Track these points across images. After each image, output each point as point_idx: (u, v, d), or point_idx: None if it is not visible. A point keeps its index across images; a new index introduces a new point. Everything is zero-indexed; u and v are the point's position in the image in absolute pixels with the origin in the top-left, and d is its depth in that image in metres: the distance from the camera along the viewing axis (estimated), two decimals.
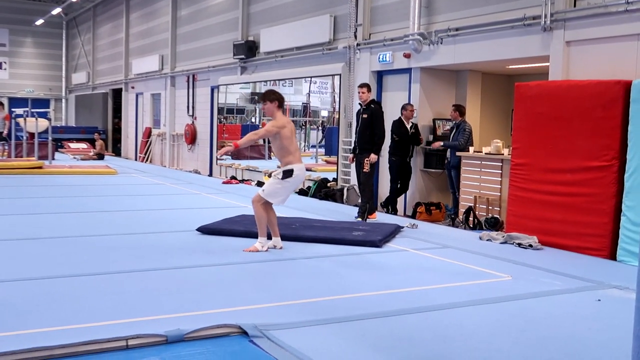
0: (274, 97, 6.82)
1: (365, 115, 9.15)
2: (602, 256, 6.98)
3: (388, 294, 5.17)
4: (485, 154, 9.59)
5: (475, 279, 5.77)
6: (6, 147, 18.89)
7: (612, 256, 6.95)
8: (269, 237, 6.84)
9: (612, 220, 6.98)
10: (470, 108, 10.95)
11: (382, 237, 7.31)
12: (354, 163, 9.53)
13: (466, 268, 6.21)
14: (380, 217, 9.58)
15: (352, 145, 9.68)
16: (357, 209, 9.57)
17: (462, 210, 9.81)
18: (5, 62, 32.42)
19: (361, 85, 9.34)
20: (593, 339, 4.21)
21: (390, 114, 11.44)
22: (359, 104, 9.43)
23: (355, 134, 9.37)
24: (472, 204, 9.55)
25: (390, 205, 10.91)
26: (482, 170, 9.61)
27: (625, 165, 6.86)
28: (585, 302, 5.14)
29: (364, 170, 9.09)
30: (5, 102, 25.94)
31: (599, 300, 5.19)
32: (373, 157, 9.08)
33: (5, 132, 18.61)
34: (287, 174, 6.72)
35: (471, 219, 9.44)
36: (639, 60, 7.43)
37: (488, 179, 9.45)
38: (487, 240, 7.73)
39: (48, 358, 3.57)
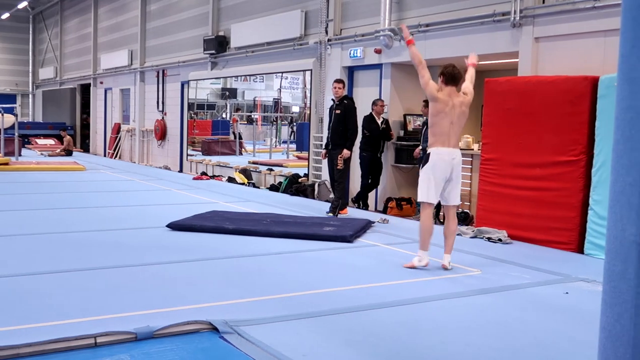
0: (440, 72, 6.02)
1: (338, 111, 9.13)
2: (570, 250, 7.07)
3: (359, 288, 5.18)
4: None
5: (446, 274, 5.80)
6: None
7: (580, 249, 7.05)
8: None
9: (579, 214, 7.08)
10: None
11: (353, 232, 7.32)
12: (327, 159, 9.49)
13: (437, 263, 6.24)
14: (352, 212, 9.60)
15: (325, 140, 9.64)
16: (328, 204, 9.57)
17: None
18: None
19: (337, 81, 9.31)
20: (561, 331, 4.26)
21: (361, 109, 11.44)
22: (332, 99, 9.39)
23: (328, 129, 9.34)
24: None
25: (361, 201, 10.93)
26: None
27: (592, 160, 6.96)
28: (554, 295, 5.20)
29: (338, 166, 9.05)
30: None
31: (567, 293, 5.25)
32: (346, 152, 9.05)
33: None
34: (425, 159, 5.91)
35: (441, 214, 9.49)
36: (606, 56, 7.53)
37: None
38: (457, 234, 7.77)
39: (14, 357, 3.50)
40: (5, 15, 30.77)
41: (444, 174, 5.86)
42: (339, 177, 9.16)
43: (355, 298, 4.87)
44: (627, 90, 2.55)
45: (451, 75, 5.97)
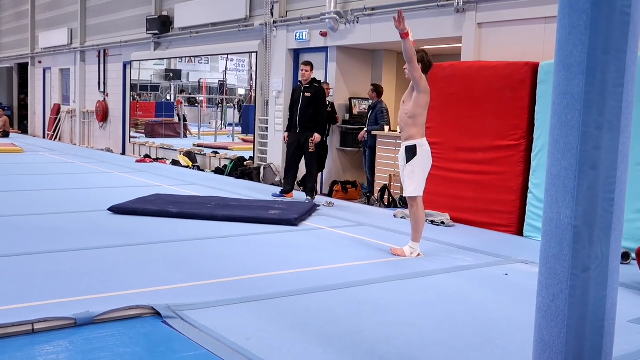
0: (418, 59, 5.69)
1: (308, 94, 9.02)
2: (510, 232, 7.25)
3: (304, 272, 5.19)
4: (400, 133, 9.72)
5: (389, 257, 5.86)
6: None
7: (520, 232, 7.23)
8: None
9: (519, 198, 7.25)
10: (386, 87, 11.07)
11: (298, 216, 7.33)
12: (289, 142, 9.24)
13: (381, 245, 6.31)
14: (297, 195, 9.60)
15: (288, 123, 9.41)
16: (274, 187, 9.54)
17: (377, 188, 9.95)
18: None
19: (305, 64, 9.17)
20: (500, 312, 4.37)
21: None
22: (299, 82, 9.22)
23: (293, 112, 9.14)
24: (387, 183, 9.70)
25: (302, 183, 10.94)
26: (397, 149, 9.73)
27: (532, 145, 7.13)
28: (494, 277, 5.32)
29: (310, 150, 9.02)
30: None
31: (506, 274, 5.39)
32: (317, 137, 9.04)
33: None
34: (411, 152, 5.75)
35: (386, 197, 9.60)
36: (546, 42, 7.69)
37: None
38: (402, 217, 7.87)
39: None
40: None
41: (429, 164, 5.86)
42: (310, 160, 9.14)
43: (300, 281, 4.89)
44: (563, 76, 2.62)
45: (430, 63, 5.87)
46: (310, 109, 9.01)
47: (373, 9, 10.16)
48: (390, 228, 7.23)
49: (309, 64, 9.21)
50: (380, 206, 9.45)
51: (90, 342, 3.52)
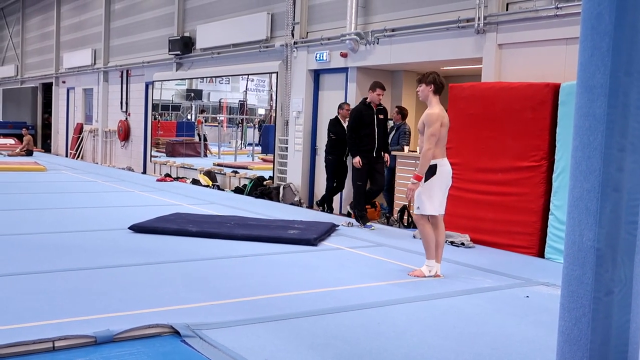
0: (430, 80, 5.86)
1: (382, 116, 8.81)
2: (531, 254, 7.17)
3: (323, 292, 5.18)
4: (420, 153, 9.71)
5: (409, 278, 5.83)
6: None
7: (541, 254, 7.15)
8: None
9: (540, 219, 7.18)
10: (407, 108, 11.07)
11: (317, 236, 7.32)
12: (366, 167, 8.73)
13: (400, 266, 6.28)
14: (316, 215, 9.60)
15: (354, 147, 8.80)
16: (293, 207, 9.50)
17: (396, 209, 9.92)
18: None
19: (383, 87, 8.74)
20: (520, 334, 4.32)
21: (327, 112, 11.50)
22: (368, 104, 8.74)
23: (372, 136, 8.64)
24: (407, 203, 9.66)
25: (326, 204, 10.94)
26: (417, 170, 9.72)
27: (553, 166, 7.08)
28: (514, 299, 5.27)
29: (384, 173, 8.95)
30: None
31: (527, 296, 5.33)
32: (389, 157, 9.14)
33: None
34: (430, 171, 5.77)
35: (405, 217, 9.56)
36: (567, 63, 7.67)
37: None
38: (421, 238, 7.82)
39: None
40: None
41: (448, 183, 5.90)
42: (388, 186, 9.13)
43: (319, 301, 4.87)
44: (585, 98, 2.60)
45: (442, 84, 5.94)
46: (382, 131, 8.90)
47: (393, 30, 10.20)
48: (410, 249, 7.19)
49: (384, 87, 8.86)
50: (399, 227, 9.41)
51: None
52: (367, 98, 8.88)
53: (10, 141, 23.48)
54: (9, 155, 19.78)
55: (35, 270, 5.49)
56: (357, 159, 8.71)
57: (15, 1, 28.97)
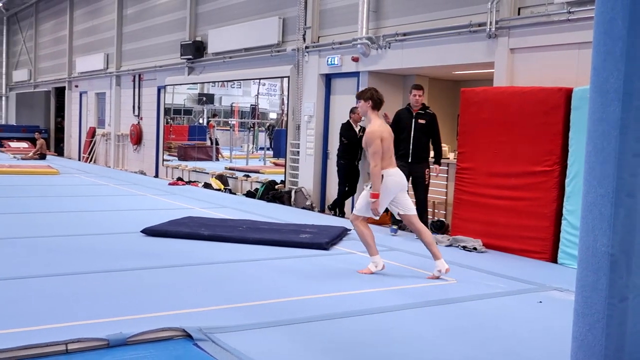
0: (368, 96, 6.12)
1: (422, 121, 8.32)
2: (544, 259, 7.14)
3: (335, 296, 5.17)
4: (432, 157, 9.70)
5: (421, 282, 5.82)
6: None
7: (554, 259, 7.12)
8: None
9: (553, 224, 7.15)
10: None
11: (329, 240, 7.32)
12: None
13: (412, 271, 6.27)
14: (328, 219, 9.59)
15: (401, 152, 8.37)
16: (305, 210, 9.51)
17: None
18: None
19: (417, 87, 8.49)
20: (533, 340, 4.30)
21: (339, 117, 11.50)
22: (408, 107, 8.52)
23: (407, 141, 8.31)
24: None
25: (337, 208, 10.94)
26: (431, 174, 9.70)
27: (566, 171, 7.04)
28: (527, 304, 5.24)
29: (426, 182, 8.39)
30: None
31: (540, 302, 5.30)
32: (439, 169, 8.50)
33: None
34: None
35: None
36: (580, 68, 7.63)
37: (434, 182, 9.56)
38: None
39: None
40: None
41: (396, 190, 6.07)
42: (424, 194, 8.47)
43: (331, 306, 4.87)
44: (599, 102, 2.59)
45: (380, 100, 6.18)
46: (424, 137, 8.31)
47: (404, 34, 10.20)
48: (422, 253, 7.15)
49: (420, 87, 8.52)
50: (411, 231, 9.38)
51: None
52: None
53: (24, 145, 23.67)
54: (22, 159, 19.92)
55: (48, 273, 5.52)
56: None
57: (28, 6, 29.21)
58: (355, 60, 11.13)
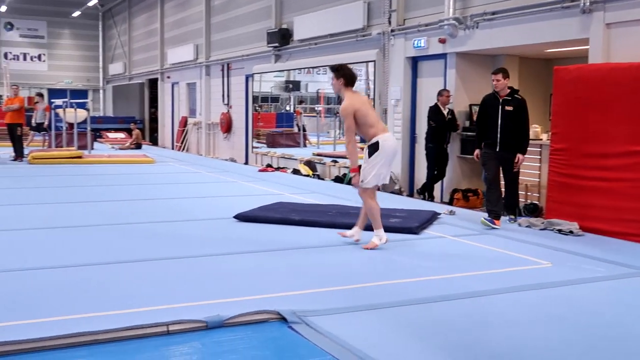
0: (340, 74, 6.22)
1: (510, 108, 7.79)
2: None
3: (426, 280, 5.15)
4: None
5: (515, 266, 5.70)
6: (47, 138, 19.26)
7: None
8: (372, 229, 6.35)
9: None
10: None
11: (419, 224, 7.27)
12: (486, 161, 8.01)
13: (505, 255, 6.15)
14: (417, 203, 9.52)
15: (478, 138, 8.24)
16: (393, 195, 9.46)
17: None
18: (44, 54, 33.01)
19: (495, 72, 8.02)
20: (636, 326, 4.14)
21: (426, 100, 11.37)
22: (495, 93, 7.99)
23: (494, 129, 7.86)
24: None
25: (427, 192, 10.85)
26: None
27: None
28: (629, 289, 5.05)
29: (515, 169, 7.91)
30: (45, 93, 26.45)
31: None
32: (522, 158, 7.85)
33: (46, 123, 18.96)
34: (373, 148, 6.14)
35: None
36: None
37: (527, 164, 9.29)
38: (527, 226, 7.63)
39: (92, 343, 3.64)
40: (77, 13, 31.82)
41: (393, 157, 6.31)
42: (514, 179, 8.06)
43: (422, 290, 4.85)
44: None
45: (351, 76, 6.26)
46: (512, 124, 7.76)
47: (493, 13, 9.93)
48: (515, 237, 7.02)
49: (499, 71, 7.99)
50: (503, 214, 9.19)
51: (221, 345, 3.66)
52: None
53: (121, 135, 24.64)
54: (120, 149, 20.77)
55: (147, 257, 5.76)
56: (476, 152, 8.15)
57: (122, 1, 30.31)
58: (442, 41, 10.95)
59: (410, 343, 3.72)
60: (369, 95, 12.74)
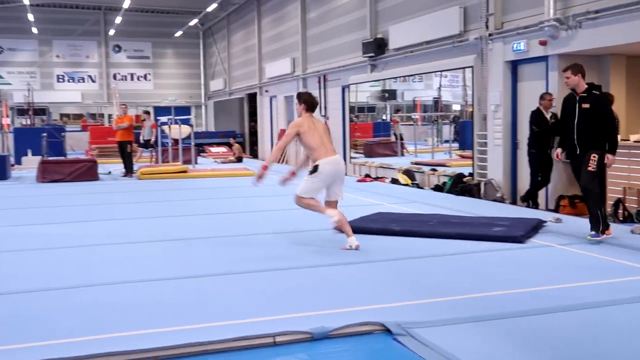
0: (302, 100, 7.09)
1: (587, 105, 7.30)
2: None
3: (534, 291, 4.99)
4: (634, 141, 9.01)
5: (629, 276, 5.43)
6: (154, 154, 20.09)
7: None
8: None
9: None
10: (614, 94, 10.32)
11: (524, 233, 7.07)
12: (572, 167, 7.63)
13: (618, 264, 5.87)
14: (521, 211, 9.26)
15: (561, 139, 7.87)
16: (495, 203, 9.26)
17: (610, 202, 9.27)
18: (149, 74, 34.60)
19: (564, 69, 7.57)
20: None
21: (527, 104, 11.05)
22: (573, 91, 7.55)
23: (572, 130, 7.43)
24: (621, 196, 9.01)
25: (530, 199, 10.52)
26: (631, 159, 9.04)
27: None
28: None
29: (589, 168, 7.15)
30: (151, 111, 27.65)
31: None
32: (612, 158, 7.22)
33: (153, 139, 19.81)
34: (314, 169, 6.91)
35: (620, 211, 8.91)
36: None
37: (638, 168, 8.87)
38: (633, 233, 7.26)
39: (202, 353, 3.76)
40: (179, 33, 33.13)
41: (333, 179, 6.97)
42: (590, 183, 7.16)
43: (531, 301, 4.70)
44: None
45: (312, 103, 7.14)
46: (590, 123, 7.27)
47: (597, 11, 9.54)
48: (627, 245, 6.68)
49: (569, 67, 7.50)
50: (614, 221, 8.78)
51: (327, 356, 3.69)
52: None
53: (222, 149, 25.37)
54: (222, 163, 21.38)
55: (250, 269, 5.88)
56: (556, 152, 7.81)
57: (221, 19, 31.30)
58: (543, 44, 10.62)
59: (519, 357, 3.62)
60: (466, 102, 12.52)
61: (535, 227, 7.54)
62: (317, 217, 9.11)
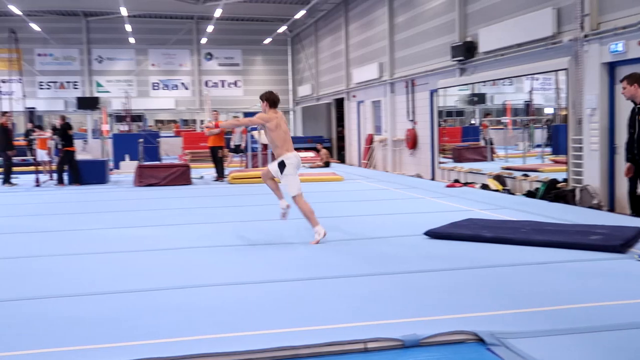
0: (264, 98, 7.86)
1: None
2: None
3: (634, 304, 4.78)
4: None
5: None
6: (244, 159, 20.54)
7: None
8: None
9: None
10: None
11: (623, 242, 6.77)
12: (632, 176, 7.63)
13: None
14: (619, 219, 8.88)
15: (627, 156, 7.79)
16: (591, 210, 8.90)
17: None
18: (239, 80, 35.40)
19: (621, 79, 7.54)
20: None
21: (626, 107, 10.57)
22: (632, 101, 7.53)
23: (633, 140, 7.44)
24: None
25: (631, 207, 10.07)
26: None
27: None
28: None
29: None
30: (241, 117, 28.28)
31: None
32: None
33: (243, 145, 20.27)
34: (281, 165, 7.66)
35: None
36: None
37: None
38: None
39: (293, 357, 3.81)
40: (268, 40, 33.75)
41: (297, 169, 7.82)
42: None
43: (632, 314, 4.50)
44: None
45: (273, 100, 7.86)
46: None
47: None
48: None
49: (625, 78, 7.55)
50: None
51: None
52: None
53: (310, 154, 25.62)
54: (310, 167, 21.60)
55: (341, 274, 5.91)
56: (626, 166, 7.42)
57: (308, 26, 31.67)
58: None
59: None
60: (559, 106, 12.14)
61: (636, 235, 7.21)
62: (404, 221, 9.11)
